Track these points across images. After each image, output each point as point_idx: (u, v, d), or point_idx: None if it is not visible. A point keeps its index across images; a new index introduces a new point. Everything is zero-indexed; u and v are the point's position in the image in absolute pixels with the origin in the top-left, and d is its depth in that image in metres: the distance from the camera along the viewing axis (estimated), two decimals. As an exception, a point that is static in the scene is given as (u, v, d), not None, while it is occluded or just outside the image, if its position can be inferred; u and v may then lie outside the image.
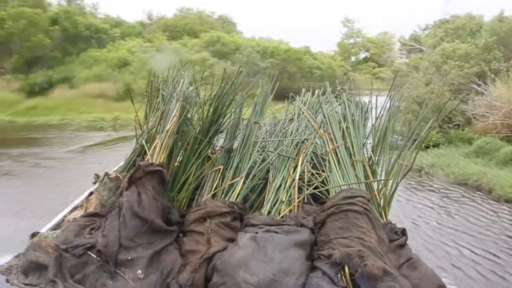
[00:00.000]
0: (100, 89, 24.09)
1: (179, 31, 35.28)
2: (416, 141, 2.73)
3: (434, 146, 12.87)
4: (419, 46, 27.28)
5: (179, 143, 2.93)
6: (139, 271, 1.98)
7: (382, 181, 2.63)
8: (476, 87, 13.68)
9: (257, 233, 2.13)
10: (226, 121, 3.31)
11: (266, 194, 2.74)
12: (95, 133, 18.09)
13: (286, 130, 3.53)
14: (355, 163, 2.67)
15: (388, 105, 2.95)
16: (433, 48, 18.10)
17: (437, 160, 11.34)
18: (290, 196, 2.65)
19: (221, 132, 3.33)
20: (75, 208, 2.87)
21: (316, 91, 3.90)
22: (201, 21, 38.24)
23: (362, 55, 57.48)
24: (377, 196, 2.57)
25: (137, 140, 3.12)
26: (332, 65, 34.54)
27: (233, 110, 3.34)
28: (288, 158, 2.96)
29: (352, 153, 2.75)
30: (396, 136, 3.10)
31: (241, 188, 2.70)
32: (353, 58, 56.50)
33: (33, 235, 2.31)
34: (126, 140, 15.26)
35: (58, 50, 27.32)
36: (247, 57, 27.76)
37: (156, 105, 3.22)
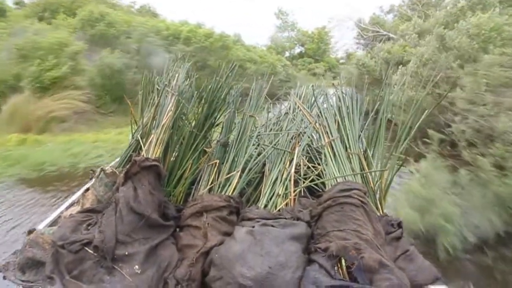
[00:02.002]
0: None
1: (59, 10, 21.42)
2: (412, 132, 2.73)
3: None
4: (386, 33, 23.01)
5: (175, 138, 2.93)
6: (136, 266, 1.98)
7: (378, 174, 2.64)
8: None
9: (253, 227, 2.13)
10: (221, 115, 3.30)
11: (263, 188, 2.75)
12: None
13: (282, 124, 3.54)
14: (350, 156, 2.68)
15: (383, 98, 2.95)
16: (417, 32, 14.86)
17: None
18: (286, 190, 2.66)
19: (217, 126, 3.33)
20: (71, 204, 2.87)
21: (310, 86, 3.89)
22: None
23: (297, 50, 54.53)
24: (373, 188, 2.58)
25: (132, 135, 3.11)
26: (269, 59, 28.71)
27: (228, 104, 3.34)
28: (284, 152, 2.96)
29: (347, 146, 2.75)
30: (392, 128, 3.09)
31: (238, 182, 2.70)
32: (287, 53, 52.56)
33: (30, 231, 2.31)
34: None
35: None
36: (139, 43, 18.62)
37: (151, 100, 3.21)
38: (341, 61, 50.27)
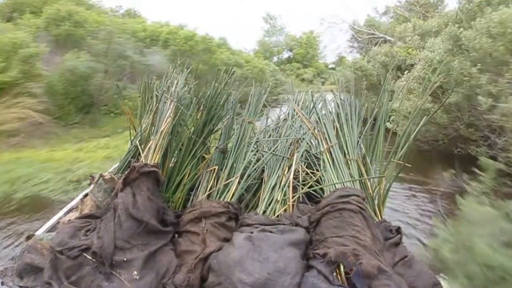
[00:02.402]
0: None
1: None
2: (410, 139, 2.74)
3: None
4: (382, 35, 21.76)
5: (174, 144, 2.93)
6: (135, 272, 1.98)
7: (376, 180, 2.64)
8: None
9: (252, 232, 2.14)
10: (220, 121, 3.31)
11: (261, 194, 2.75)
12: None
13: (281, 130, 3.55)
14: (349, 162, 2.68)
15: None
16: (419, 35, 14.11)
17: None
18: (285, 196, 2.66)
19: (216, 132, 3.33)
20: (70, 210, 2.87)
21: (309, 92, 3.90)
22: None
23: (286, 55, 53.60)
24: (372, 194, 2.59)
25: (131, 141, 3.12)
26: (257, 64, 26.98)
27: (226, 110, 3.35)
28: (283, 158, 2.97)
29: (346, 152, 2.75)
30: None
31: (236, 188, 2.71)
32: (275, 58, 51.62)
33: (28, 237, 2.31)
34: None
35: None
36: (107, 44, 15.64)
37: (150, 106, 3.22)
38: (330, 66, 50.09)
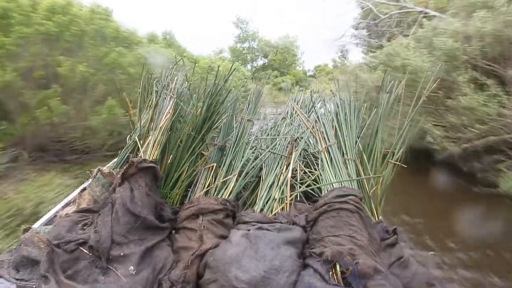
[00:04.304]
0: None
1: None
2: (406, 138, 2.75)
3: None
4: (421, 9, 13.88)
5: (172, 140, 2.93)
6: (131, 267, 1.99)
7: (374, 180, 2.65)
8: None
9: (249, 230, 2.14)
10: (219, 118, 3.31)
11: (259, 192, 2.76)
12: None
13: (279, 129, 3.55)
14: (347, 162, 2.69)
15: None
16: None
17: None
18: (282, 194, 2.67)
19: (215, 129, 3.34)
20: (67, 204, 2.88)
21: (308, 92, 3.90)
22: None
23: (260, 62, 47.65)
24: (369, 195, 2.60)
25: (130, 136, 3.12)
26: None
27: (226, 108, 3.35)
28: (281, 156, 2.97)
29: (344, 151, 2.76)
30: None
31: (234, 186, 2.71)
32: (248, 66, 46.28)
33: (25, 230, 2.31)
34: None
35: None
36: None
37: (150, 101, 3.22)
38: (309, 73, 46.83)
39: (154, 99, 3.15)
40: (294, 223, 2.29)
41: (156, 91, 3.25)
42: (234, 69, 3.36)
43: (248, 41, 47.54)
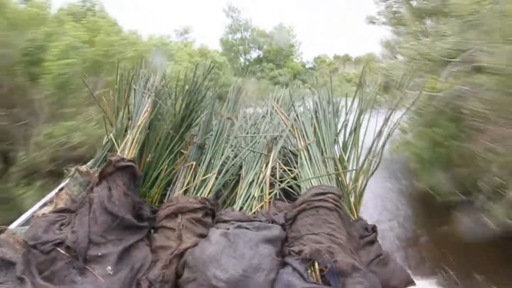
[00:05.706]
0: None
1: None
2: (388, 136, 2.77)
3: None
4: None
5: (151, 138, 2.91)
6: (109, 267, 1.97)
7: (353, 178, 2.68)
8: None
9: (228, 229, 2.14)
10: (198, 116, 3.30)
11: (238, 190, 2.76)
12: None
13: (259, 127, 3.56)
14: (326, 160, 2.71)
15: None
16: None
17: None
18: (262, 192, 2.68)
19: (194, 127, 3.32)
20: (45, 204, 2.83)
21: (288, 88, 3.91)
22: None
23: (254, 54, 44.14)
24: (348, 193, 2.62)
25: (107, 135, 3.08)
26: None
27: (205, 105, 3.34)
28: (261, 155, 2.98)
29: (323, 149, 2.78)
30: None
31: (214, 184, 2.71)
32: (242, 59, 43.79)
33: (1, 231, 2.27)
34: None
35: None
36: None
37: (127, 99, 3.19)
38: (308, 65, 44.05)
39: (132, 97, 3.11)
40: (273, 221, 2.30)
41: (134, 88, 3.21)
42: (213, 66, 3.35)
43: (240, 32, 43.75)
